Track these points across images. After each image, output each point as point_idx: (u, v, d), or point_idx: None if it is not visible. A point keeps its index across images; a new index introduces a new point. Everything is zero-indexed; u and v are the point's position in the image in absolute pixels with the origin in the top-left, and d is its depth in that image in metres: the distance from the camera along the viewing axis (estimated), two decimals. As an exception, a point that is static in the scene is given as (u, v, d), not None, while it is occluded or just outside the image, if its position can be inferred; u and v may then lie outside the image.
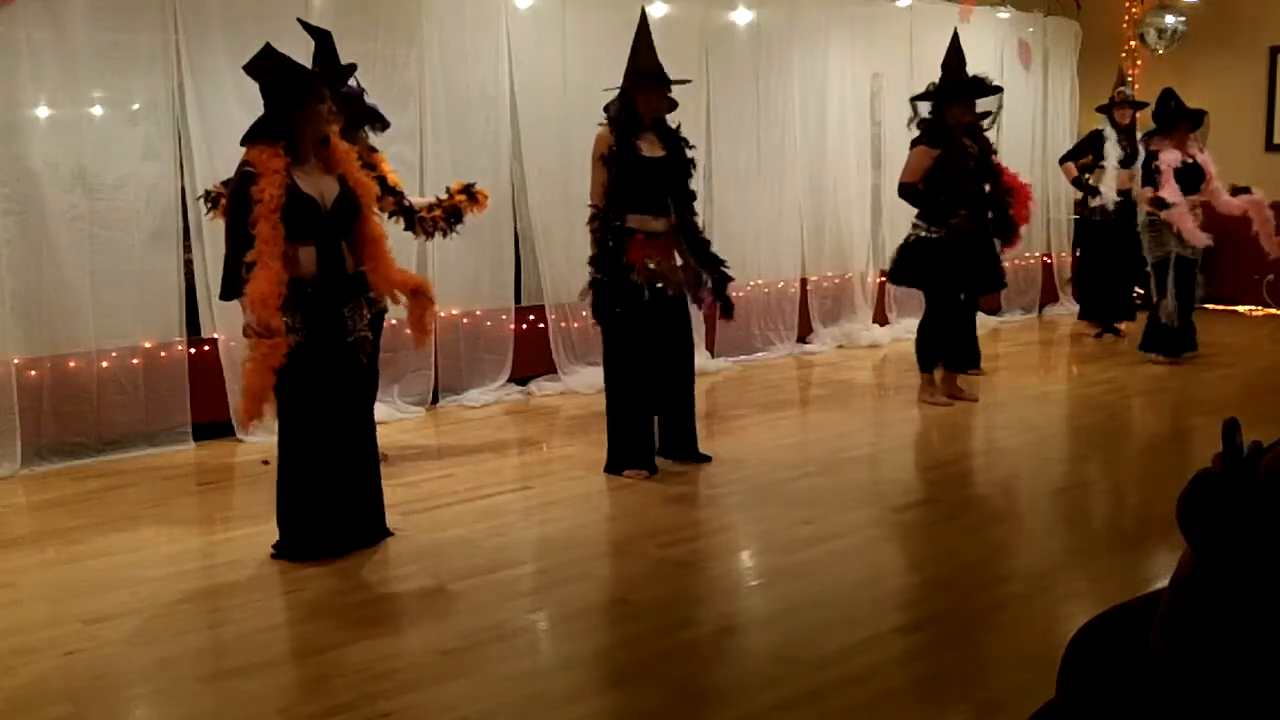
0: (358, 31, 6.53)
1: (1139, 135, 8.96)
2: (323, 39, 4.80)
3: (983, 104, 7.04)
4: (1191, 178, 8.02)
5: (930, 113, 6.94)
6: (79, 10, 5.87)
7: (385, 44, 6.71)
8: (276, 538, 4.52)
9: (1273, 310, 10.51)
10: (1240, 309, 10.01)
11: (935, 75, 7.12)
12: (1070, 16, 11.06)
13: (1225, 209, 8.24)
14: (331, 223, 4.34)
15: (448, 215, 5.74)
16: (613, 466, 5.65)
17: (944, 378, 7.23)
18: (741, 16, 8.42)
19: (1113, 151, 9.06)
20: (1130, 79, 10.57)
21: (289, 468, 4.45)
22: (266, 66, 4.24)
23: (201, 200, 5.75)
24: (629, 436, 5.61)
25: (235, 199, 4.23)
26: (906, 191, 6.93)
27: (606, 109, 5.49)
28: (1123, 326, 9.40)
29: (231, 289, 4.24)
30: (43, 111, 5.90)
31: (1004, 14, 10.45)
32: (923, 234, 6.92)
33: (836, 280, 9.42)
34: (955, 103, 6.80)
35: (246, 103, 6.20)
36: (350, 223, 4.42)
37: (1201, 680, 1.72)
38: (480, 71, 7.24)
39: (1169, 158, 7.93)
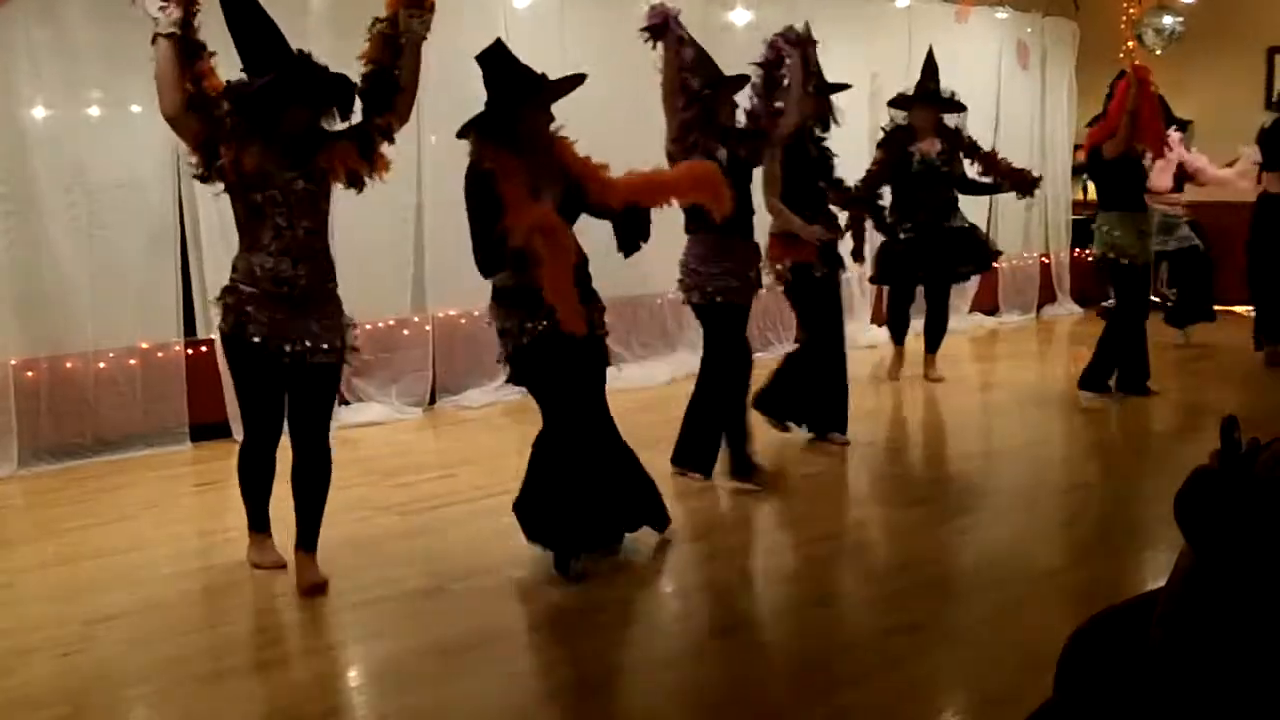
0: (356, 30, 6.48)
1: None
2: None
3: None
4: (1177, 177, 8.56)
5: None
6: (77, 9, 5.86)
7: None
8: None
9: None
10: (1239, 310, 10.00)
11: (941, 78, 7.28)
12: (1068, 17, 11.06)
13: (1222, 183, 8.62)
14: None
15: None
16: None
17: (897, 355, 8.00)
18: (740, 17, 8.41)
19: None
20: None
21: (556, 461, 4.32)
22: (497, 66, 4.20)
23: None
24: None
25: (478, 196, 4.12)
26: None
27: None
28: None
29: (491, 261, 4.16)
30: (41, 111, 5.89)
31: (1002, 14, 10.45)
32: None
33: (835, 280, 9.40)
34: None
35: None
36: (575, 215, 4.31)
37: (1200, 678, 1.72)
38: (478, 71, 7.22)
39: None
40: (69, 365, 5.99)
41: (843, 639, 3.79)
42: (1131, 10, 10.76)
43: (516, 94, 4.14)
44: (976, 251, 7.62)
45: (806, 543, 4.81)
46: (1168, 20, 10.38)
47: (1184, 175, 8.55)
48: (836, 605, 4.10)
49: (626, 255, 4.52)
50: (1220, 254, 9.78)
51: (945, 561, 4.58)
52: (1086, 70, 10.86)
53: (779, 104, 5.37)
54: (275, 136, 3.93)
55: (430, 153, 6.99)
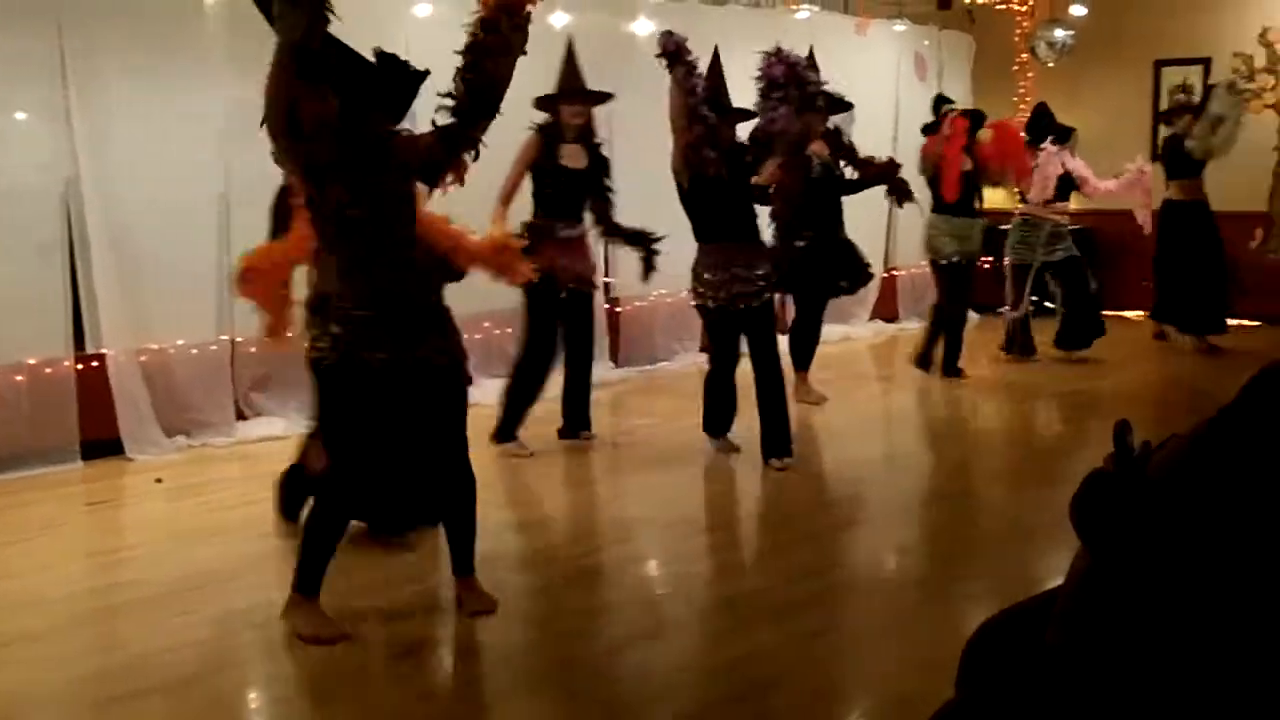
0: (261, 36, 6.39)
1: None
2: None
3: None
4: (1064, 185, 8.56)
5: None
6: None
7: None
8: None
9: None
10: (1129, 314, 10.29)
11: (836, 86, 7.24)
12: (964, 30, 11.30)
13: (1108, 195, 8.69)
14: None
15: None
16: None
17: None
18: (643, 27, 8.42)
19: None
20: (1021, 89, 10.86)
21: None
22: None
23: None
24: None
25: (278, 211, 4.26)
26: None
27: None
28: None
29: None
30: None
31: (900, 26, 10.64)
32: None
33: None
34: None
35: (134, 111, 6.08)
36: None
37: (1096, 677, 1.75)
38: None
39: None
40: (-48, 382, 5.77)
41: (741, 647, 3.77)
42: (1025, 24, 11.07)
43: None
44: (855, 268, 7.35)
45: (705, 552, 4.81)
46: (1059, 33, 10.68)
47: (1071, 184, 8.64)
48: (739, 611, 4.10)
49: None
50: (1112, 261, 10.08)
51: (843, 568, 4.62)
52: (982, 82, 11.10)
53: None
54: (364, 145, 3.65)
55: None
